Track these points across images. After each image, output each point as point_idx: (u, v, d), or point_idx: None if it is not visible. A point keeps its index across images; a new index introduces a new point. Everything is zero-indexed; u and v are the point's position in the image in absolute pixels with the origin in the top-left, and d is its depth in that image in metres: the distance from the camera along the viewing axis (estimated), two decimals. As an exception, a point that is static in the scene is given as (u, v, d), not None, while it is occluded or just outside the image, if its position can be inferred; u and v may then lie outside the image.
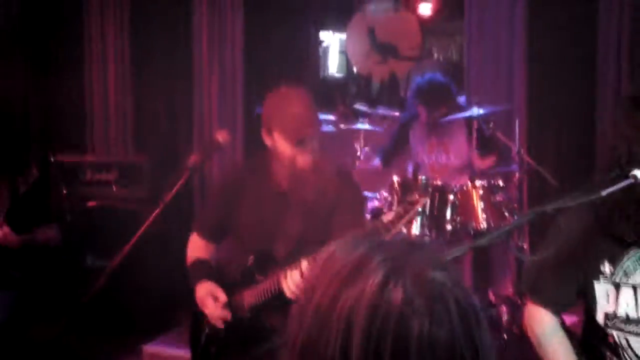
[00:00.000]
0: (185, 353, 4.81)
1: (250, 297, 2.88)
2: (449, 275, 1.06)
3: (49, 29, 6.88)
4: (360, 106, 5.88)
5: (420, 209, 4.35)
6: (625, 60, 5.30)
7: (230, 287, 2.97)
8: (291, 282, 2.62)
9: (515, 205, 4.68)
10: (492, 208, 4.60)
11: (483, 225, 4.59)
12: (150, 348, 4.97)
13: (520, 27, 5.70)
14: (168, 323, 5.62)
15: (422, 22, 6.52)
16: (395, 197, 4.63)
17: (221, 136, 2.99)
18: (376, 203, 4.82)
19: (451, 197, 4.62)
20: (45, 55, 6.97)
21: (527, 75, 5.69)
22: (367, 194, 4.81)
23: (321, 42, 7.51)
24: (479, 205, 4.61)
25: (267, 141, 2.96)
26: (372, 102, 6.36)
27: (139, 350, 4.97)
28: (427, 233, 4.60)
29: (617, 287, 2.29)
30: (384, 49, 6.44)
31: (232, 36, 6.48)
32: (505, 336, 4.56)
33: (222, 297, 2.93)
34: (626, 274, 2.28)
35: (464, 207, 4.63)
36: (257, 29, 6.47)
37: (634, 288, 2.27)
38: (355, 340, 1.00)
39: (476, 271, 5.27)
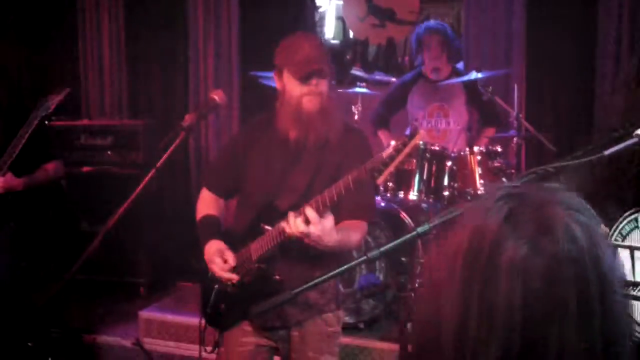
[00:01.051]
0: (180, 319, 4.86)
1: (256, 248, 2.87)
2: (579, 215, 1.03)
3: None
4: (356, 71, 5.83)
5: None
6: (626, 23, 5.25)
7: (238, 242, 2.95)
8: (294, 225, 2.59)
9: (513, 170, 4.66)
10: (490, 174, 4.58)
11: (481, 191, 4.57)
12: (146, 314, 4.97)
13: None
14: (164, 289, 5.64)
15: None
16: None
17: (217, 95, 2.92)
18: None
19: (449, 163, 4.60)
20: (39, 22, 6.89)
21: (526, 41, 5.64)
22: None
23: (317, 7, 7.43)
24: (477, 171, 4.59)
25: (278, 84, 2.96)
26: (369, 68, 6.31)
27: (136, 315, 4.97)
28: (425, 199, 4.58)
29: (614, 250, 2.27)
30: (381, 13, 6.37)
31: (227, 3, 6.41)
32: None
33: (231, 258, 2.90)
34: (622, 235, 2.26)
35: (461, 173, 4.61)
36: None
37: (630, 249, 2.24)
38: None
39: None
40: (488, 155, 4.62)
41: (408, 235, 1.89)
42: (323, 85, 2.86)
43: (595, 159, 2.02)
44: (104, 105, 6.81)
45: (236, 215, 3.10)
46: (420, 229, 1.90)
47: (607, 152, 2.00)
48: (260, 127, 3.08)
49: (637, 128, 2.08)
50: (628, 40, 5.23)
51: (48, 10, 6.81)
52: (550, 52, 5.60)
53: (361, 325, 4.53)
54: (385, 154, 2.45)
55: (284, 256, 2.82)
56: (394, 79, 5.69)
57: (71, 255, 3.30)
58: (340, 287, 4.45)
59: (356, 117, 4.85)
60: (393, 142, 4.48)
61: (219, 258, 2.90)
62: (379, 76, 5.67)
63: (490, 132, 5.12)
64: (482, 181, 4.57)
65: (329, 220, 2.60)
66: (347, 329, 4.46)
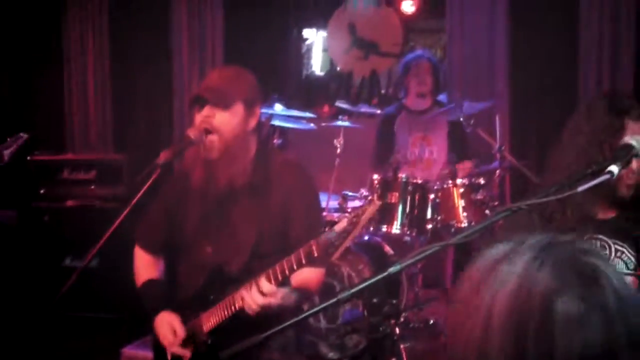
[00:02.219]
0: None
1: (208, 320, 2.69)
2: (602, 260, 1.03)
3: (28, 26, 6.80)
4: (341, 104, 5.83)
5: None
6: (607, 58, 5.29)
7: (186, 308, 2.78)
8: (252, 300, 2.46)
9: (497, 203, 4.65)
10: (473, 206, 4.57)
11: (464, 223, 4.56)
12: (128, 351, 4.89)
13: (502, 24, 5.71)
14: (147, 325, 5.55)
15: (405, 19, 6.48)
16: (375, 195, 4.57)
17: (192, 132, 2.82)
18: (357, 202, 4.76)
19: (432, 195, 4.58)
20: (24, 53, 6.89)
21: (509, 72, 5.68)
22: (347, 192, 4.76)
23: (305, 40, 7.45)
24: (460, 204, 4.58)
25: None
26: (353, 100, 6.31)
27: (118, 353, 4.89)
28: (408, 232, 4.55)
29: None
30: (365, 45, 6.40)
31: (212, 34, 6.44)
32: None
33: (180, 331, 2.72)
34: None
35: (445, 206, 4.59)
36: (238, 27, 6.43)
37: None
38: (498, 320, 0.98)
39: (458, 270, 5.23)
40: (471, 187, 4.60)
41: (379, 275, 1.87)
42: (220, 119, 2.65)
43: (568, 195, 2.03)
44: (89, 138, 6.79)
45: (180, 277, 2.90)
46: (392, 269, 1.87)
47: (580, 189, 2.00)
48: (192, 168, 2.84)
49: (610, 164, 2.08)
50: (608, 72, 5.26)
51: (33, 42, 6.81)
52: (534, 82, 5.63)
53: (345, 361, 4.48)
54: (339, 227, 2.30)
55: (236, 326, 2.58)
56: (378, 111, 5.68)
57: (54, 291, 3.25)
58: (324, 322, 4.44)
59: (338, 150, 4.83)
60: (375, 176, 4.55)
61: (169, 332, 2.72)
62: (363, 108, 5.65)
63: (468, 164, 5.10)
64: (465, 214, 4.56)
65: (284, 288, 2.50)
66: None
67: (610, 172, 2.08)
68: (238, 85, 2.72)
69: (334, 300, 1.93)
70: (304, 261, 2.36)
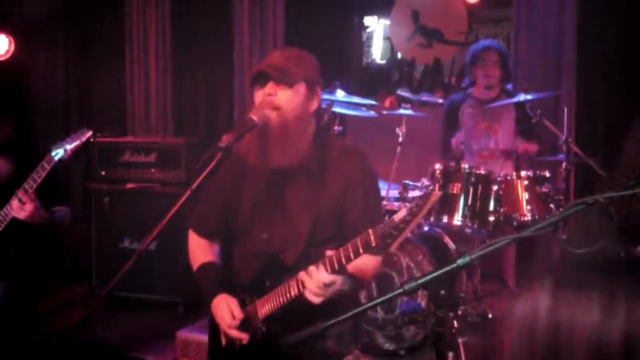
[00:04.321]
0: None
1: (263, 306, 2.65)
2: None
3: (92, 14, 6.88)
4: (403, 92, 5.76)
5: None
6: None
7: (241, 293, 2.74)
8: (309, 289, 2.41)
9: (561, 197, 4.52)
10: (537, 199, 4.45)
11: (527, 217, 4.45)
12: (183, 334, 4.92)
13: (570, 13, 5.54)
14: (202, 310, 5.58)
15: (470, 8, 6.36)
16: (437, 185, 4.49)
17: (255, 115, 2.75)
18: (417, 192, 4.68)
19: (495, 187, 4.47)
20: (88, 39, 6.97)
21: (577, 63, 5.52)
22: (408, 182, 4.68)
23: (365, 28, 7.38)
24: (524, 197, 4.46)
25: None
26: (416, 88, 6.22)
27: (174, 335, 4.92)
28: (469, 224, 4.45)
29: None
30: (428, 33, 6.29)
31: (273, 20, 6.41)
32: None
33: (238, 314, 2.67)
34: None
35: (508, 198, 4.48)
36: (299, 15, 6.40)
37: None
38: None
39: (520, 264, 5.13)
40: (535, 180, 4.48)
41: (447, 267, 1.80)
42: (283, 97, 2.60)
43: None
44: (150, 121, 6.84)
45: (236, 262, 2.86)
46: (460, 261, 1.80)
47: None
48: (248, 150, 2.75)
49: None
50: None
51: (95, 25, 6.88)
52: (602, 75, 5.46)
53: (402, 352, 4.41)
54: (398, 218, 2.23)
55: (291, 313, 2.55)
56: (440, 100, 5.59)
57: (112, 272, 3.26)
58: (381, 312, 4.38)
59: (400, 139, 4.74)
60: (437, 166, 4.46)
61: (227, 314, 2.68)
62: (425, 97, 5.56)
63: (533, 147, 4.97)
64: (529, 207, 4.44)
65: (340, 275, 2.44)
66: (388, 355, 4.37)
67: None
68: (301, 64, 2.66)
69: (400, 291, 1.88)
70: (361, 250, 2.30)
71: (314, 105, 2.69)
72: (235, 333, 2.68)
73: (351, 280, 2.52)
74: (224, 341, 2.78)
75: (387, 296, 1.94)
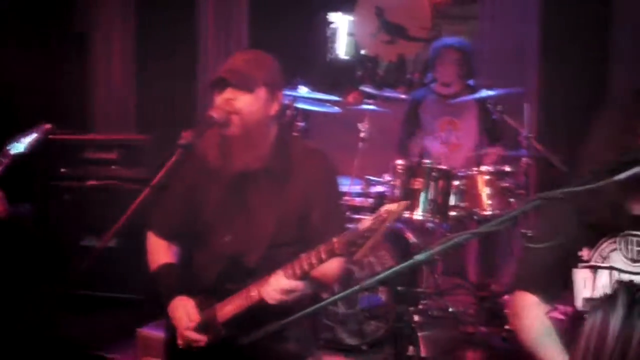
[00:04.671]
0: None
1: (223, 310, 2.64)
2: None
3: (50, 6, 6.78)
4: (366, 88, 5.76)
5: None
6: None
7: (200, 296, 2.73)
8: (269, 295, 2.45)
9: (522, 191, 4.55)
10: (498, 194, 4.49)
11: (489, 211, 4.48)
12: (145, 332, 4.87)
13: (533, 10, 5.60)
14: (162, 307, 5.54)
15: (435, 4, 6.39)
16: (399, 181, 4.50)
17: (216, 113, 2.74)
18: (380, 188, 4.70)
19: (456, 182, 4.50)
20: (47, 33, 6.87)
21: (540, 62, 5.59)
22: (370, 177, 4.70)
23: (330, 24, 7.36)
24: (485, 192, 4.50)
25: None
26: (379, 84, 6.22)
27: (134, 333, 4.87)
28: (431, 219, 4.48)
29: (594, 270, 2.30)
30: (392, 29, 6.30)
31: (237, 16, 6.39)
32: (507, 327, 4.43)
33: (195, 316, 2.66)
34: (602, 258, 2.30)
35: (469, 193, 4.51)
36: (263, 10, 6.38)
37: (610, 270, 2.28)
38: None
39: (481, 259, 5.16)
40: (497, 175, 4.52)
41: (406, 263, 1.80)
42: (243, 101, 2.61)
43: (602, 188, 1.96)
44: (112, 118, 6.77)
45: (196, 264, 2.84)
46: (418, 257, 1.80)
47: (616, 178, 1.92)
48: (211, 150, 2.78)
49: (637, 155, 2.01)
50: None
51: (57, 23, 6.79)
52: (565, 72, 5.53)
53: (364, 347, 4.42)
54: (363, 227, 2.25)
55: (251, 317, 2.54)
56: (403, 96, 5.60)
57: (73, 269, 3.22)
58: (342, 307, 4.39)
59: (363, 135, 4.76)
60: (399, 162, 4.48)
61: (185, 317, 2.66)
62: (388, 93, 5.57)
63: (496, 151, 5.02)
64: (490, 202, 4.48)
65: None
66: (350, 351, 4.38)
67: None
68: (261, 68, 2.67)
69: (357, 288, 1.88)
70: (324, 258, 2.33)
71: (274, 109, 2.71)
72: (192, 335, 2.66)
73: (314, 284, 2.55)
74: (180, 343, 2.74)
75: (345, 292, 1.94)
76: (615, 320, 1.30)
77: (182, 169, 2.81)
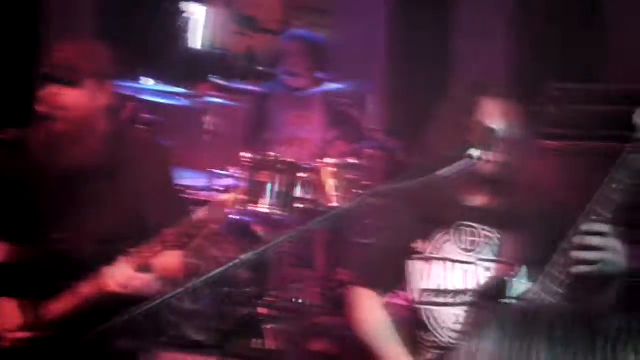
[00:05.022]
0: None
1: (53, 308, 2.55)
2: None
3: None
4: (217, 80, 5.70)
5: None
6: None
7: (29, 295, 2.62)
8: (106, 288, 2.40)
9: (368, 183, 4.63)
10: (344, 186, 4.53)
11: (334, 203, 4.52)
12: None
13: (382, 6, 5.72)
14: None
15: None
16: (245, 174, 4.48)
17: (41, 108, 2.59)
18: (225, 180, 4.65)
19: (302, 175, 4.51)
20: None
21: (386, 54, 5.70)
22: (216, 170, 4.64)
23: (182, 13, 7.22)
24: (331, 184, 4.53)
25: None
26: (229, 76, 6.16)
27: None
28: (277, 212, 4.47)
29: (429, 262, 2.39)
30: (243, 21, 6.25)
31: (83, 4, 6.17)
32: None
33: (17, 317, 2.56)
34: (437, 249, 2.39)
35: (315, 186, 4.53)
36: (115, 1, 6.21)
37: (444, 261, 2.37)
38: None
39: (328, 249, 5.19)
40: (342, 167, 4.57)
41: (231, 263, 1.81)
42: (69, 96, 2.54)
43: (434, 180, 2.01)
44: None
45: (27, 261, 2.72)
46: (244, 257, 1.81)
47: (439, 174, 1.98)
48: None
49: (468, 148, 2.08)
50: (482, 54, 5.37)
51: None
52: (410, 64, 5.67)
53: (210, 342, 4.37)
54: (198, 217, 2.25)
55: (85, 314, 2.48)
56: (254, 88, 5.57)
57: None
58: (188, 303, 4.32)
59: (209, 127, 4.70)
60: (245, 154, 4.45)
61: (8, 317, 2.57)
62: (239, 85, 5.52)
63: (342, 144, 5.08)
64: (336, 194, 4.52)
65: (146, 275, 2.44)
66: (195, 347, 4.31)
67: (470, 156, 2.08)
68: (88, 60, 2.60)
69: (180, 290, 1.87)
70: (157, 250, 2.31)
71: (104, 100, 2.64)
72: (17, 335, 2.57)
73: (152, 278, 2.49)
74: (4, 345, 2.62)
75: (178, 290, 1.93)
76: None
77: (7, 165, 2.71)
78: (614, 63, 5.11)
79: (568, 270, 2.04)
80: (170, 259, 2.56)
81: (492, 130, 2.18)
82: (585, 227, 2.01)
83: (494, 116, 2.30)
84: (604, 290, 2.13)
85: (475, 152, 2.05)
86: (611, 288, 2.13)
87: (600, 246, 1.99)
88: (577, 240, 2.02)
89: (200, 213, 2.27)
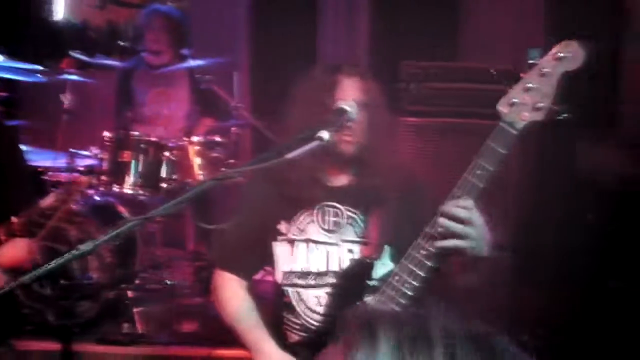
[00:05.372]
0: None
1: None
2: None
3: None
4: (78, 55, 5.48)
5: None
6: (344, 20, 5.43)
7: None
8: None
9: (233, 161, 4.59)
10: (209, 165, 4.48)
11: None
12: None
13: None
14: None
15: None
16: (107, 154, 4.34)
17: None
18: (87, 161, 4.50)
19: (167, 153, 4.42)
20: None
21: (250, 29, 5.65)
22: (76, 150, 4.47)
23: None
24: (196, 162, 4.47)
25: None
26: (91, 52, 5.94)
27: None
28: (141, 192, 4.37)
29: (292, 243, 2.37)
30: (102, -6, 6.05)
31: None
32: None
33: None
34: (300, 230, 2.37)
35: (180, 164, 4.46)
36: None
37: (307, 241, 2.36)
38: None
39: (198, 229, 5.15)
40: (207, 145, 4.51)
41: (69, 256, 1.73)
42: None
43: (277, 163, 1.99)
44: None
45: None
46: (83, 247, 1.74)
47: (289, 156, 1.96)
48: None
49: (319, 130, 2.07)
50: (344, 33, 5.40)
51: None
52: (274, 39, 5.64)
53: (76, 329, 4.23)
54: (44, 204, 2.16)
55: None
56: (116, 64, 5.39)
57: None
58: (48, 289, 4.16)
59: (66, 105, 4.52)
60: (107, 134, 4.32)
61: None
62: (101, 60, 5.33)
63: (208, 121, 5.02)
64: (201, 172, 4.47)
65: None
66: (61, 332, 4.16)
67: (321, 138, 2.07)
68: None
69: (35, 274, 1.77)
70: (3, 239, 2.20)
71: None
72: None
73: (7, 274, 2.39)
74: None
75: (25, 278, 1.84)
76: None
77: None
78: (470, 41, 5.27)
79: (431, 250, 2.04)
80: (15, 248, 2.45)
81: (344, 111, 2.17)
82: (451, 203, 2.01)
83: (350, 96, 2.30)
84: (466, 272, 2.17)
85: (325, 134, 2.03)
86: (473, 270, 2.16)
87: (466, 219, 1.99)
88: (444, 215, 2.00)
89: (49, 198, 2.17)
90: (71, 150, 4.41)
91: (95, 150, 4.37)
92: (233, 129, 4.75)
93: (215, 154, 4.52)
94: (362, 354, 0.88)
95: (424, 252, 2.05)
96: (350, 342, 0.90)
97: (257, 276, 4.02)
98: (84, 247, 1.65)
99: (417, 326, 0.91)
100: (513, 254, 3.99)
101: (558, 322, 4.11)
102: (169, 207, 1.80)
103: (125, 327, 4.11)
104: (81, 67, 4.95)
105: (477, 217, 2.01)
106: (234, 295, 2.43)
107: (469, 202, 2.00)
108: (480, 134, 2.09)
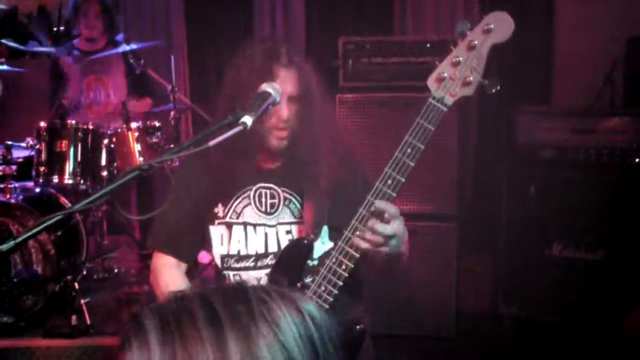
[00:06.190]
0: None
1: None
2: None
3: None
4: (8, 42, 5.35)
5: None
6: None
7: None
8: None
9: (172, 145, 4.54)
10: (149, 150, 4.42)
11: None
12: None
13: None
14: None
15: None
16: (43, 144, 4.25)
17: None
18: (24, 153, 4.40)
19: (106, 141, 4.35)
20: None
21: (186, 11, 5.59)
22: (11, 142, 4.37)
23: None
24: (136, 148, 4.41)
25: None
26: (22, 39, 5.79)
27: None
28: (82, 181, 4.30)
29: (230, 227, 2.37)
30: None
31: None
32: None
33: None
34: (237, 213, 2.37)
35: (120, 151, 4.39)
36: None
37: (244, 225, 2.36)
38: None
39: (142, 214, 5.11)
40: (146, 130, 4.45)
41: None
42: None
43: (201, 149, 1.95)
44: None
45: None
46: (4, 246, 1.70)
47: (211, 143, 1.93)
48: None
49: (244, 114, 2.03)
50: (281, 17, 5.38)
51: None
52: (211, 23, 5.59)
53: (22, 324, 4.16)
54: None
55: None
56: (50, 49, 5.27)
57: None
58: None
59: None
60: (42, 124, 4.21)
61: None
62: (34, 47, 5.21)
63: (146, 103, 4.95)
64: (141, 158, 4.41)
65: None
66: (8, 329, 4.09)
67: (244, 124, 2.02)
68: None
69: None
70: None
71: None
72: None
73: None
74: None
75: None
76: None
77: None
78: (404, 16, 5.28)
79: (365, 230, 2.04)
80: None
81: (268, 95, 2.12)
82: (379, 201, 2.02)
83: (286, 89, 2.25)
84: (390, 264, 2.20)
85: (249, 120, 1.98)
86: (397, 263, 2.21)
87: (396, 215, 2.02)
88: (374, 208, 2.01)
89: None
90: (7, 142, 4.30)
91: (31, 141, 4.27)
92: (172, 113, 4.69)
93: (154, 140, 4.46)
94: (135, 344, 0.92)
95: (358, 234, 2.06)
96: (123, 340, 0.94)
97: (205, 260, 4.03)
98: (4, 246, 1.61)
99: (176, 301, 0.94)
100: (457, 224, 4.04)
101: (503, 290, 4.19)
102: (92, 200, 1.76)
103: (73, 319, 4.05)
104: (12, 55, 4.83)
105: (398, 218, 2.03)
106: (169, 277, 2.42)
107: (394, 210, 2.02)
108: (418, 107, 2.07)
